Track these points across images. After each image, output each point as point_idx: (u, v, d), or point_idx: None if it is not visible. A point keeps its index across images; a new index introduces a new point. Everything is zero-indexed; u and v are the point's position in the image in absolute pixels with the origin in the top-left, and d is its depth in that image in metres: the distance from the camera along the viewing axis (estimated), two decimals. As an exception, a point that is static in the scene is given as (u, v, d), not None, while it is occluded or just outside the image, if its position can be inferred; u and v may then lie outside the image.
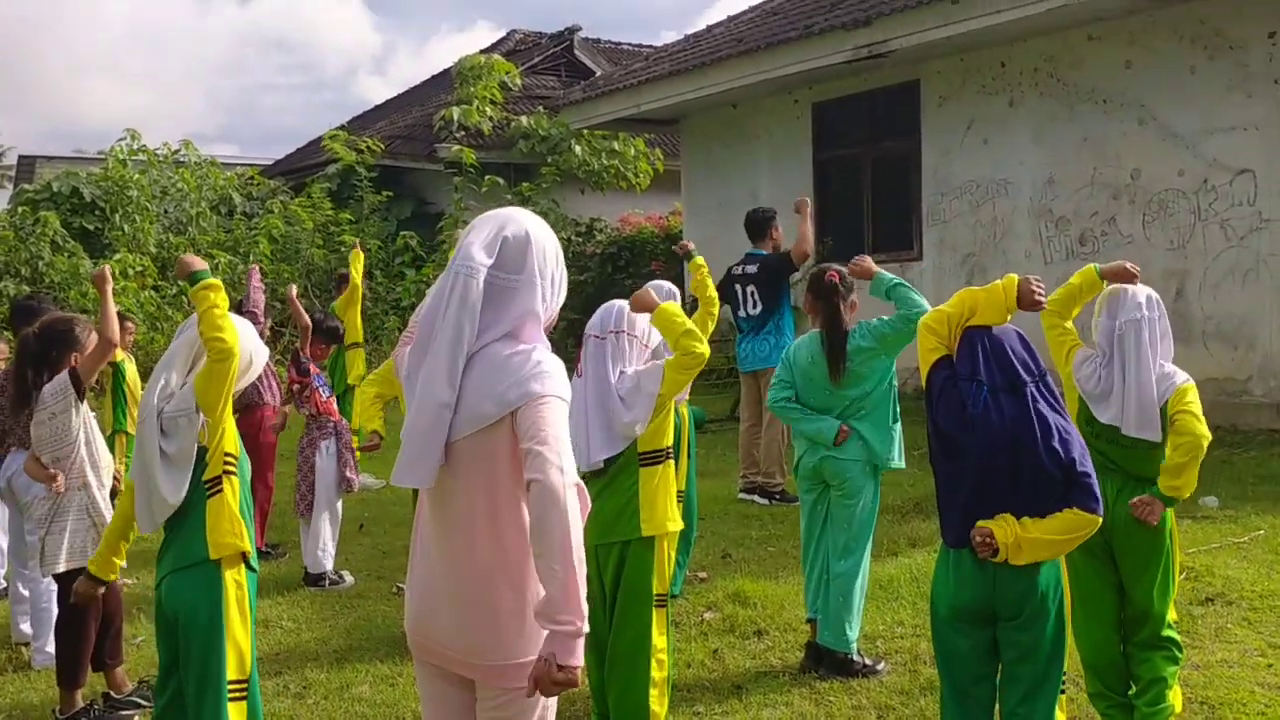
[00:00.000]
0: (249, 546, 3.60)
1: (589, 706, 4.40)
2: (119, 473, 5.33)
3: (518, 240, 2.48)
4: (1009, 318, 3.37)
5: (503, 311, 2.45)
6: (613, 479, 4.05)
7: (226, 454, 3.58)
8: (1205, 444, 3.79)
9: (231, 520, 3.55)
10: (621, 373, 4.02)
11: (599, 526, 4.06)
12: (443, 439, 2.38)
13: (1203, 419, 3.84)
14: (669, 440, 4.13)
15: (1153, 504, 3.81)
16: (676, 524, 4.14)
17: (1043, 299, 3.35)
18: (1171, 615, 3.99)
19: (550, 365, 2.43)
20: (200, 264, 3.61)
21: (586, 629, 2.29)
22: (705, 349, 3.92)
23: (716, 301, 5.96)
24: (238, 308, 7.25)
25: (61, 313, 5.32)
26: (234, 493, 3.59)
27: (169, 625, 3.56)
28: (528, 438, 2.33)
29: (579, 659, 2.28)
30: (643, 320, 4.10)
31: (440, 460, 2.39)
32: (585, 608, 2.28)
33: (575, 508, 2.28)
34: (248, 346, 3.64)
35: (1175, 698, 3.95)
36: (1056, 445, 3.14)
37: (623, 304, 4.13)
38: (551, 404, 2.37)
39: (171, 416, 3.50)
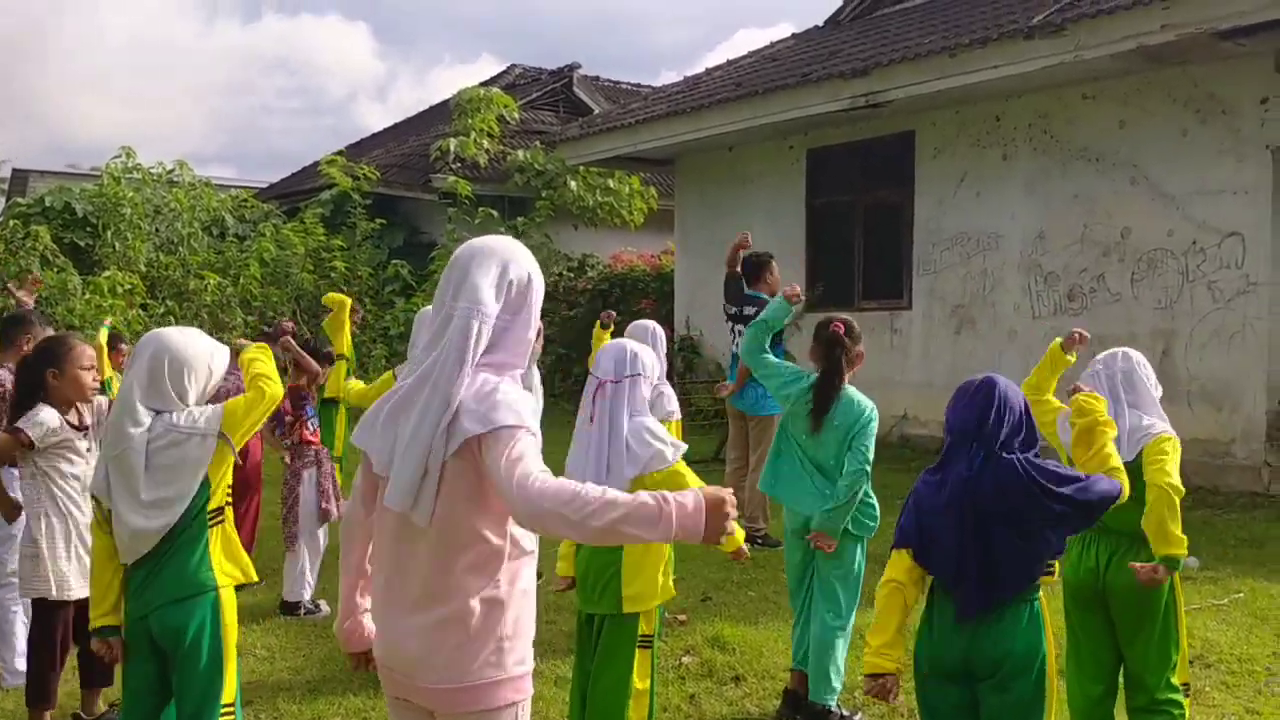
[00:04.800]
0: (253, 573, 3.68)
1: (563, 748, 4.36)
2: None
3: (520, 283, 2.50)
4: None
5: (493, 347, 2.46)
6: None
7: (228, 485, 3.62)
8: (1174, 494, 3.74)
9: (236, 549, 3.62)
10: (633, 416, 3.95)
11: (585, 590, 4.03)
12: (437, 468, 2.36)
13: (1173, 471, 3.81)
14: None
15: (1155, 570, 3.76)
16: (668, 593, 4.07)
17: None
18: (1180, 678, 3.94)
19: (514, 396, 2.41)
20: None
21: (671, 506, 2.18)
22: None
23: None
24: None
25: (57, 333, 5.30)
26: (232, 522, 3.63)
27: (156, 654, 3.51)
28: (496, 472, 2.30)
29: (681, 519, 2.17)
30: (649, 358, 4.08)
31: (434, 490, 2.37)
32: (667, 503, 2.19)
33: (556, 492, 2.22)
34: (207, 352, 3.67)
35: None
36: (1050, 504, 3.14)
37: (635, 346, 4.07)
38: (520, 434, 2.34)
39: (178, 437, 3.46)
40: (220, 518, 3.58)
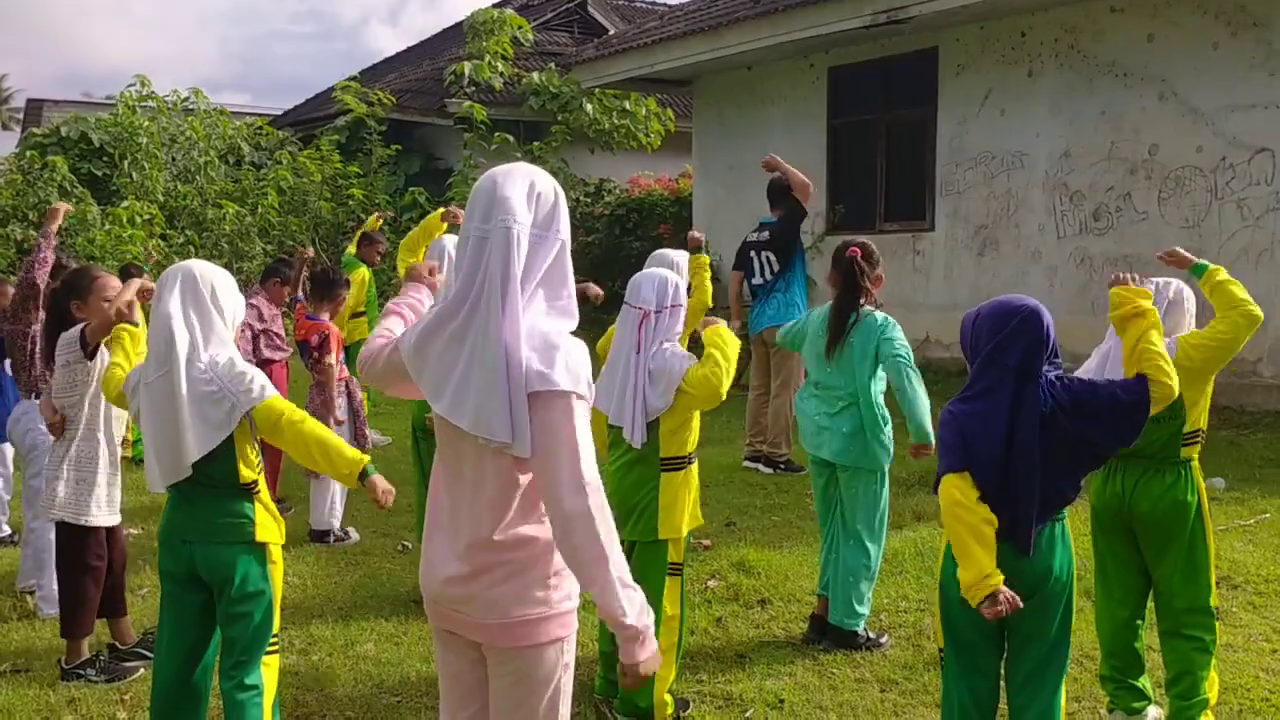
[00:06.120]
0: (283, 536, 3.68)
1: (594, 671, 4.41)
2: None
3: (547, 197, 2.46)
4: None
5: (532, 267, 2.41)
6: (636, 462, 4.07)
7: (259, 458, 3.63)
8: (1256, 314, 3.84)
9: (273, 513, 3.62)
10: (662, 344, 4.01)
11: (618, 515, 4.07)
12: (522, 391, 2.31)
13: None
14: (691, 447, 4.12)
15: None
16: (696, 521, 4.17)
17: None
18: (1210, 601, 3.92)
19: (575, 354, 2.37)
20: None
21: (642, 625, 2.33)
22: (722, 392, 3.92)
23: (709, 304, 5.82)
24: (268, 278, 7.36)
25: (81, 265, 5.34)
26: (265, 488, 3.64)
27: (201, 587, 3.55)
28: (544, 436, 2.30)
29: (635, 657, 2.34)
30: (681, 289, 4.12)
31: (525, 413, 2.31)
32: (633, 604, 2.32)
33: (601, 515, 2.30)
34: (233, 284, 3.66)
35: (1211, 690, 3.90)
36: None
37: (673, 275, 4.12)
38: (570, 401, 2.32)
39: (218, 392, 3.44)
40: (255, 489, 3.57)
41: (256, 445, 3.59)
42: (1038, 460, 3.10)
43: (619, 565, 2.31)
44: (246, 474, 3.54)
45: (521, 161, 2.60)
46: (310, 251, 7.17)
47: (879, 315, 4.82)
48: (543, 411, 2.31)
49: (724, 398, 3.98)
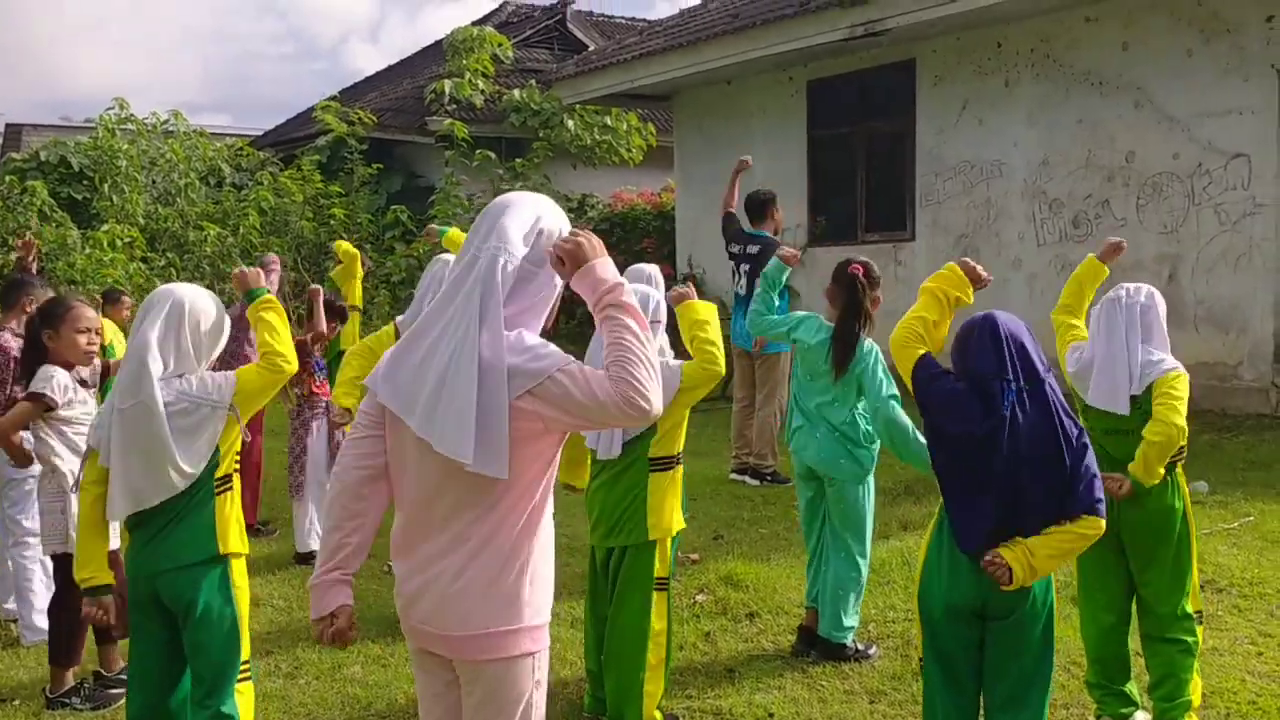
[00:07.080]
0: (247, 548, 3.64)
1: (583, 689, 4.40)
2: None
3: (550, 235, 2.47)
4: (971, 293, 3.54)
5: (515, 297, 2.42)
6: (621, 473, 4.05)
7: (236, 451, 3.59)
8: (1176, 434, 3.70)
9: (238, 520, 3.58)
10: None
11: (606, 526, 4.09)
12: (503, 415, 2.30)
13: (1182, 410, 3.75)
14: (680, 447, 4.13)
15: (1121, 482, 3.78)
16: (680, 524, 4.17)
17: (986, 275, 3.52)
18: (1190, 606, 3.94)
19: (539, 340, 2.41)
20: (258, 280, 3.67)
21: (621, 296, 2.34)
22: (721, 366, 3.97)
23: None
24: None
25: (57, 294, 5.31)
26: (238, 491, 3.61)
27: (165, 615, 3.49)
28: (569, 404, 2.30)
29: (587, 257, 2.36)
30: (664, 305, 4.13)
31: (505, 438, 2.30)
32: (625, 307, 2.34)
33: (638, 372, 2.28)
34: (221, 316, 3.62)
35: (1194, 692, 3.92)
36: (1075, 445, 3.10)
37: (652, 291, 4.15)
38: (575, 366, 2.33)
39: (190, 406, 3.40)
40: (227, 485, 3.53)
41: (243, 430, 3.57)
42: (1018, 473, 3.08)
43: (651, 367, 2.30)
44: (226, 467, 3.52)
45: (540, 194, 2.59)
46: (274, 256, 7.12)
47: (866, 343, 4.76)
48: (555, 393, 2.31)
49: (724, 370, 4.02)
